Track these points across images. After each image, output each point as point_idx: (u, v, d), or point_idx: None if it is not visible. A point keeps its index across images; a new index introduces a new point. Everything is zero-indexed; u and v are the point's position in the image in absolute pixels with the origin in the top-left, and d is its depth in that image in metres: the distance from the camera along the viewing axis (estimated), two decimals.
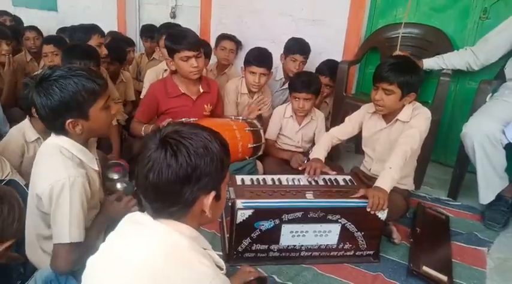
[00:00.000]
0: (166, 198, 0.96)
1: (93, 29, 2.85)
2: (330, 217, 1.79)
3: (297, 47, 2.99)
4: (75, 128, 1.43)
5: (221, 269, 1.01)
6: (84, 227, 1.46)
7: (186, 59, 2.34)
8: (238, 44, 3.52)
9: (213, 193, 1.00)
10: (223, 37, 3.47)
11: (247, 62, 2.68)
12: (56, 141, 1.48)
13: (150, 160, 0.94)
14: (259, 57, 2.68)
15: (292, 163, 2.45)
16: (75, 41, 2.82)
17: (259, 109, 2.76)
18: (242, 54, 2.83)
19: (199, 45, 2.37)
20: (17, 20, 4.37)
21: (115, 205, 1.58)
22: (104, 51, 2.83)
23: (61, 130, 1.45)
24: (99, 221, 1.57)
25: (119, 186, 1.70)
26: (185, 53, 2.33)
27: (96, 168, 1.58)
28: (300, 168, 2.05)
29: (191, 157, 0.94)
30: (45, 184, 1.40)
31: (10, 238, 1.18)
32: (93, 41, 2.78)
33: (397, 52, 2.64)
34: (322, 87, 2.76)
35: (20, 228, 1.25)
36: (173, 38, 2.39)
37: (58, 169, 1.41)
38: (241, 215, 1.72)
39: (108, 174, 1.74)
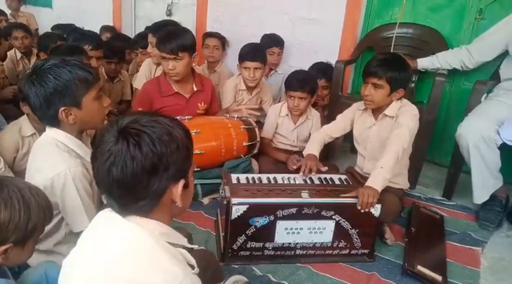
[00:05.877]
0: (134, 193, 0.90)
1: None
2: (324, 213, 1.80)
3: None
4: (68, 117, 1.43)
5: (193, 268, 0.95)
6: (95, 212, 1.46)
7: (165, 60, 2.35)
8: (223, 41, 3.49)
9: (182, 182, 0.95)
10: (206, 35, 3.48)
11: (241, 58, 2.70)
12: (51, 134, 1.47)
13: (112, 154, 0.87)
14: (251, 52, 2.68)
15: (288, 164, 2.44)
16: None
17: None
18: (236, 52, 2.80)
19: (179, 51, 2.30)
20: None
21: None
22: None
23: (54, 120, 1.44)
24: None
25: None
26: (163, 55, 2.34)
27: None
28: (294, 167, 2.04)
29: (156, 146, 0.88)
30: (46, 177, 1.39)
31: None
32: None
33: None
34: (320, 89, 2.74)
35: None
36: (160, 38, 2.42)
37: (56, 162, 1.41)
38: (236, 211, 1.73)
39: None
